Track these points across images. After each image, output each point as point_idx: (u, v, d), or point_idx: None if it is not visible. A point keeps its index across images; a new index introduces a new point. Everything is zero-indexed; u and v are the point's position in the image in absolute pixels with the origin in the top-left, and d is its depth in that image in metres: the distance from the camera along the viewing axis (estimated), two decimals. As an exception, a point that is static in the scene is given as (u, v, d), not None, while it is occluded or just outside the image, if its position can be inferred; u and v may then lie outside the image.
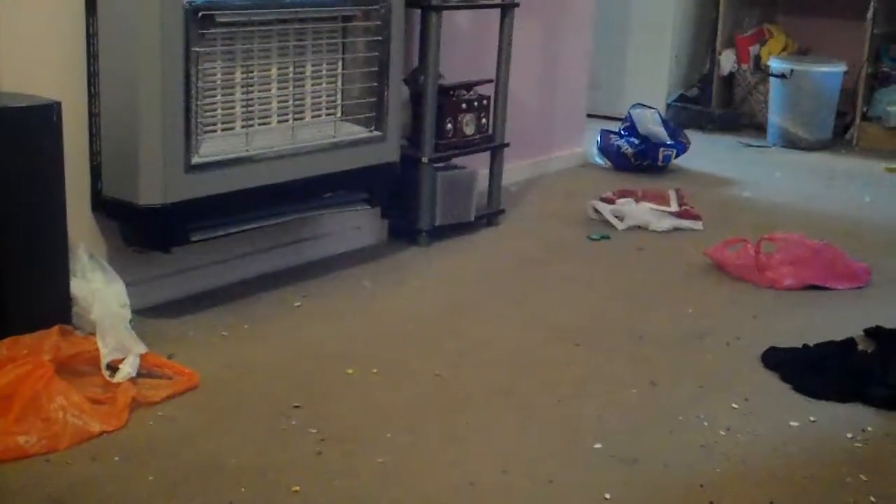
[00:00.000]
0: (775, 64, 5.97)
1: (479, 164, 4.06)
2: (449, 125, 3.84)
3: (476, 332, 3.09)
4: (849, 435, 2.54)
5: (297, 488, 2.18)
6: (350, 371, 2.75)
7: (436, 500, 2.18)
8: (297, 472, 2.24)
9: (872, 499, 2.25)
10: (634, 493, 2.25)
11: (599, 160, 5.24)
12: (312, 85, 3.21)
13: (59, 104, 2.58)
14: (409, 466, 2.30)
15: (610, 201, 4.26)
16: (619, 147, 5.14)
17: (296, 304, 3.19)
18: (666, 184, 4.69)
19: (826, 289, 3.53)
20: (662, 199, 4.29)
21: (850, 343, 3.05)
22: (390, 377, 2.74)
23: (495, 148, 4.08)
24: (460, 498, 2.19)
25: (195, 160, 2.83)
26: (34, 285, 2.58)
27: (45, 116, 2.56)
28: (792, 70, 5.87)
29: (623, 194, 4.31)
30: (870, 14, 5.82)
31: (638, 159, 5.09)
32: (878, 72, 5.98)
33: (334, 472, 2.25)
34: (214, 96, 2.92)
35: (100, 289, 2.70)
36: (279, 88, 3.11)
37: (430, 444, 2.41)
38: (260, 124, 3.07)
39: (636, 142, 5.11)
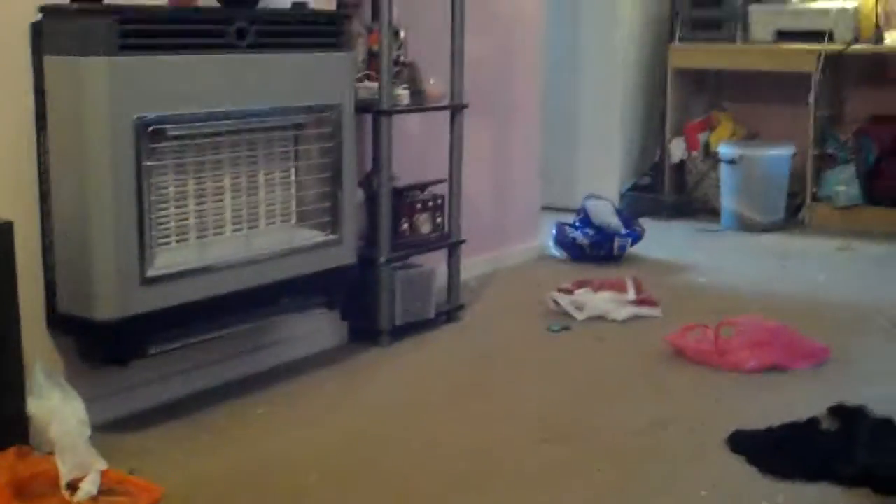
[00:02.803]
0: (724, 150, 6.08)
1: (437, 261, 4.08)
2: (405, 225, 3.88)
3: (440, 430, 3.07)
4: (817, 515, 2.54)
5: None
6: (314, 478, 2.71)
7: None
8: (263, 585, 2.21)
9: (844, 579, 2.25)
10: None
11: (556, 252, 5.28)
12: (266, 192, 3.23)
13: (10, 224, 2.57)
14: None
15: (569, 292, 4.28)
16: (574, 238, 5.18)
17: (258, 412, 3.16)
18: (623, 272, 4.72)
19: (787, 369, 3.56)
20: (620, 288, 4.31)
21: (813, 422, 3.06)
22: (355, 482, 2.71)
23: (451, 245, 4.12)
24: None
25: (150, 273, 2.83)
26: (-11, 407, 2.54)
27: (-3, 236, 2.55)
28: (741, 155, 5.98)
29: (581, 284, 4.34)
30: (811, 98, 5.96)
31: (594, 249, 5.14)
32: (824, 153, 6.11)
33: (301, 582, 2.22)
34: (167, 208, 2.92)
35: (57, 406, 2.66)
36: (233, 198, 3.12)
37: (397, 548, 2.38)
38: (214, 234, 3.07)
39: (591, 232, 5.16)
